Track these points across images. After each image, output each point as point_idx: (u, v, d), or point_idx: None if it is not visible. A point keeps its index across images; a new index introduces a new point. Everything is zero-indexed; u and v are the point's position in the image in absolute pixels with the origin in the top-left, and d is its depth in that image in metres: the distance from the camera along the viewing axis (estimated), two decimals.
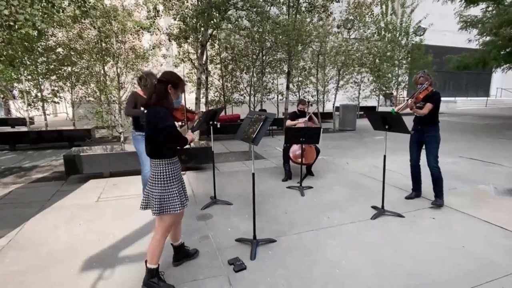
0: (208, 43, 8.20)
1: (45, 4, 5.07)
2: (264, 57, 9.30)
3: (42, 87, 9.04)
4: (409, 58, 16.26)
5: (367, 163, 5.87)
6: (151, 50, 8.90)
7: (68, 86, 9.70)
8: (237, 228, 3.17)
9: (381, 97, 16.13)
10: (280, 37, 8.31)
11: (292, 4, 8.79)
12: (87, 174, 4.99)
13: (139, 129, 3.67)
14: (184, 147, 2.32)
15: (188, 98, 2.89)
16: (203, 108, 8.73)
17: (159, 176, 2.11)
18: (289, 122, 5.09)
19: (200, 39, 7.23)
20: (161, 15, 7.29)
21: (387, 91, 15.76)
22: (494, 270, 2.40)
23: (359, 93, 14.71)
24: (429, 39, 17.85)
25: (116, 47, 7.49)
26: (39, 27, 4.61)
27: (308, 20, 9.86)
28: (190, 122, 2.58)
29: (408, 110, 3.70)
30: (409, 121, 3.26)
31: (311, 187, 4.45)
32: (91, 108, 8.21)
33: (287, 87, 9.54)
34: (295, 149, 4.88)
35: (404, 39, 15.80)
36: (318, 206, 3.76)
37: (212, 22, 6.77)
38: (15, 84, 9.09)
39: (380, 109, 15.41)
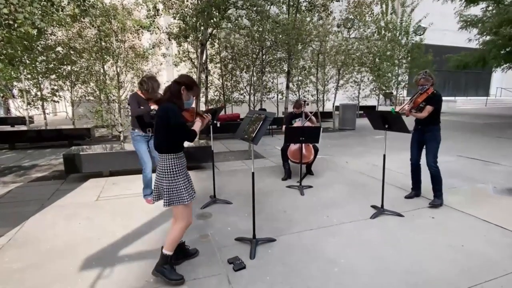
0: (208, 42, 8.20)
1: (44, 2, 5.06)
2: (264, 56, 9.30)
3: (42, 86, 9.03)
4: (409, 58, 16.26)
5: (366, 162, 5.88)
6: (150, 49, 8.89)
7: (68, 85, 9.69)
8: (237, 227, 3.17)
9: (381, 96, 16.13)
10: (280, 36, 8.31)
11: (292, 3, 8.79)
12: (86, 173, 4.99)
13: (141, 128, 3.68)
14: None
15: None
16: (203, 108, 8.73)
17: (166, 170, 2.21)
18: (284, 128, 4.75)
19: (200, 38, 7.23)
20: (161, 14, 7.28)
21: (387, 91, 15.74)
22: (493, 269, 2.40)
23: (359, 93, 14.71)
24: (429, 39, 17.84)
25: (115, 46, 7.49)
26: (38, 26, 4.61)
27: (308, 19, 9.86)
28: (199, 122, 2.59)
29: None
30: (408, 121, 3.26)
31: (310, 186, 4.45)
32: (90, 107, 8.21)
33: (287, 87, 9.54)
34: (293, 148, 4.89)
35: (404, 38, 15.78)
36: (318, 205, 3.77)
37: (212, 21, 6.76)
38: (15, 83, 9.08)
39: (380, 108, 15.42)
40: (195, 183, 4.78)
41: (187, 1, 7.12)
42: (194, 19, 6.74)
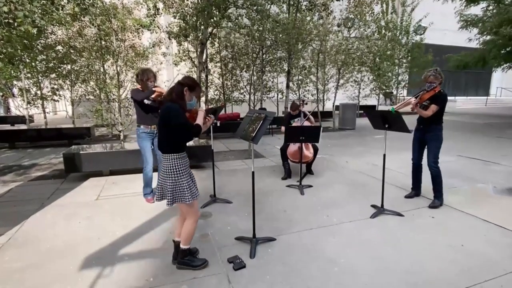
0: (208, 41, 8.19)
1: (44, 1, 5.05)
2: (264, 56, 9.29)
3: (42, 85, 9.02)
4: (409, 57, 16.25)
5: (366, 162, 5.88)
6: (151, 48, 8.87)
7: (68, 84, 9.68)
8: (237, 227, 3.17)
9: (381, 96, 16.12)
10: (280, 35, 8.30)
11: (292, 3, 8.78)
12: (86, 172, 4.99)
13: (144, 122, 3.70)
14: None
15: None
16: (203, 107, 8.72)
17: (169, 170, 2.25)
18: (284, 129, 4.73)
19: (200, 37, 7.23)
20: (161, 13, 7.27)
21: (387, 90, 15.75)
22: (493, 268, 2.40)
23: (359, 92, 14.70)
24: (429, 38, 17.83)
25: (115, 45, 7.47)
26: (38, 24, 4.59)
27: (308, 18, 9.85)
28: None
29: (408, 109, 3.67)
30: (409, 120, 3.26)
31: (310, 186, 4.45)
32: (90, 106, 8.19)
33: (287, 86, 9.53)
34: (293, 147, 4.89)
35: (405, 38, 15.77)
36: (318, 205, 3.77)
37: (212, 20, 6.76)
38: (15, 82, 9.08)
39: (380, 108, 15.41)
40: None
41: (187, 0, 7.11)
42: (194, 18, 6.74)
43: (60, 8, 5.58)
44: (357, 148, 7.44)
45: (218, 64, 10.69)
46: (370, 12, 11.16)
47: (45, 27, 6.85)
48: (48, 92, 9.20)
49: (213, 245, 2.80)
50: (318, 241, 2.88)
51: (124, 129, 7.53)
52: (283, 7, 9.19)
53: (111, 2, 7.68)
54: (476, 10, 13.38)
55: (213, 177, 4.02)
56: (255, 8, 7.15)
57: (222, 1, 6.54)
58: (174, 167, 2.25)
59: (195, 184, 2.42)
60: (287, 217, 3.42)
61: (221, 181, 4.69)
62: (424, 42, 16.99)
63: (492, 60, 13.08)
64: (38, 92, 8.95)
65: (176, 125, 2.22)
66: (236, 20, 7.58)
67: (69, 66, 9.18)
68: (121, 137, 7.52)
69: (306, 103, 5.36)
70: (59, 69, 8.97)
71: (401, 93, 18.44)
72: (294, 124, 4.94)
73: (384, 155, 3.57)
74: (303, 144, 4.60)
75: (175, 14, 6.92)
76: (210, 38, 7.83)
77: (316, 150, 4.96)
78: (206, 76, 9.54)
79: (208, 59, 9.93)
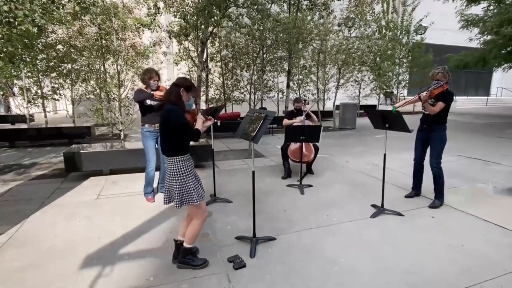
0: (209, 41, 8.18)
1: (45, 0, 5.05)
2: (264, 55, 9.28)
3: (42, 84, 9.01)
4: (410, 57, 16.22)
5: (367, 162, 5.87)
6: (151, 47, 8.87)
7: (68, 83, 9.67)
8: (237, 226, 3.17)
9: (381, 95, 16.10)
10: (281, 35, 8.29)
11: (293, 2, 8.76)
12: (86, 171, 4.99)
13: (148, 121, 3.73)
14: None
15: None
16: (203, 106, 8.72)
17: (176, 173, 2.29)
18: (285, 121, 5.09)
19: (201, 36, 7.22)
20: (162, 13, 7.26)
21: (388, 90, 15.72)
22: (493, 268, 2.40)
23: (359, 92, 14.67)
24: (429, 38, 17.77)
25: (116, 44, 7.46)
26: (39, 23, 4.59)
27: (309, 18, 9.83)
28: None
29: (409, 109, 3.66)
30: (409, 120, 3.26)
31: (310, 185, 4.45)
32: (91, 106, 8.19)
33: (288, 85, 9.52)
34: (294, 147, 4.89)
35: (405, 37, 15.74)
36: (318, 204, 3.77)
37: (212, 19, 6.75)
38: (15, 81, 9.07)
39: (380, 107, 15.39)
40: None
41: None
42: (195, 17, 6.73)
43: (61, 7, 5.58)
44: (358, 148, 7.44)
45: (219, 64, 10.68)
46: (370, 11, 11.14)
47: (46, 26, 6.84)
48: (49, 91, 9.19)
49: (213, 244, 2.81)
50: (318, 240, 2.88)
51: (125, 128, 7.53)
52: (283, 6, 9.17)
53: (112, 1, 7.68)
54: (477, 10, 13.35)
55: (213, 177, 4.02)
56: (255, 7, 7.15)
57: (223, 1, 6.53)
58: (179, 170, 2.28)
59: (201, 184, 2.44)
60: (287, 216, 3.42)
61: (221, 180, 4.69)
62: (425, 42, 16.95)
63: (492, 60, 13.07)
64: (39, 91, 8.94)
65: (176, 125, 2.25)
66: (237, 20, 7.57)
67: (69, 65, 9.17)
68: (122, 137, 7.51)
69: (308, 103, 5.37)
70: (59, 68, 8.96)
71: (402, 93, 18.39)
72: (294, 123, 4.94)
73: (385, 155, 3.57)
74: (303, 144, 4.61)
75: (175, 13, 6.91)
76: (210, 38, 7.83)
77: (316, 150, 4.96)
78: (207, 75, 9.54)
79: (208, 59, 9.93)
